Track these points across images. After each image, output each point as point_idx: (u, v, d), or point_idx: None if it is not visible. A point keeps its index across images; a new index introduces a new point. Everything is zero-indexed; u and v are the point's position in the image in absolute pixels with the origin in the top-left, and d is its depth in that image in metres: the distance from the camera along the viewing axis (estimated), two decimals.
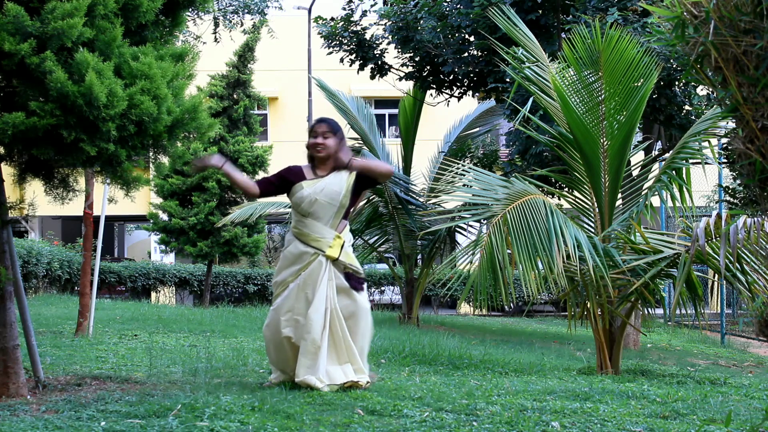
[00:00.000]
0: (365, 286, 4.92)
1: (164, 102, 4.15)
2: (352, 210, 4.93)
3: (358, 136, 11.89)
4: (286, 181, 4.85)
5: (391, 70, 12.76)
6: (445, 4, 11.39)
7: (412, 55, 12.01)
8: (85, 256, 8.13)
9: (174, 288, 18.35)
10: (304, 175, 4.83)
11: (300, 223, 4.79)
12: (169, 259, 20.25)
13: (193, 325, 9.25)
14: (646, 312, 6.49)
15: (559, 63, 6.48)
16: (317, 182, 4.78)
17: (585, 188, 6.53)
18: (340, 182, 4.78)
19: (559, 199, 7.25)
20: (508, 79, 10.30)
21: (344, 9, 12.60)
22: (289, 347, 4.72)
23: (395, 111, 18.01)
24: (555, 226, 5.51)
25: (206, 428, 3.51)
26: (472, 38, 11.25)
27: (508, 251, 5.50)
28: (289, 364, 4.75)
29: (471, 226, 11.06)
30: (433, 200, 11.90)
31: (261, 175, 16.56)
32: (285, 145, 22.04)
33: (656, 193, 6.36)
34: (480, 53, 11.32)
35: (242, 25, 13.84)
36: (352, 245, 5.04)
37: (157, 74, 4.09)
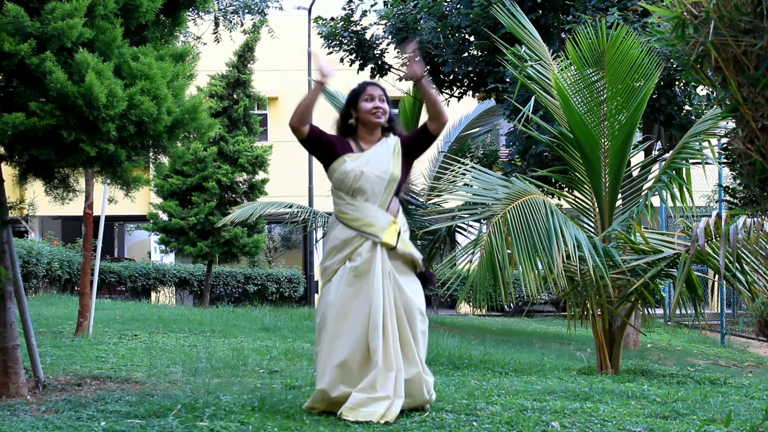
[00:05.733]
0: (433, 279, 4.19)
1: (164, 102, 4.15)
2: (404, 185, 4.21)
3: None
4: (332, 146, 4.10)
5: (391, 70, 12.75)
6: (445, 4, 11.39)
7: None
8: (85, 256, 8.13)
9: (174, 288, 18.35)
10: (351, 148, 4.13)
11: (347, 206, 4.03)
12: (169, 259, 20.24)
13: (193, 325, 9.24)
14: (646, 312, 6.48)
15: (561, 61, 6.48)
16: (361, 155, 4.08)
17: (585, 188, 6.52)
18: (388, 150, 4.12)
19: (559, 199, 7.24)
20: (508, 79, 10.30)
21: (344, 9, 12.60)
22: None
23: (395, 111, 17.95)
24: (555, 226, 5.50)
25: (206, 428, 3.51)
26: (472, 38, 11.25)
27: (508, 251, 5.49)
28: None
29: (471, 225, 11.05)
30: (433, 200, 11.89)
31: (261, 175, 16.54)
32: (285, 145, 22.01)
33: (656, 193, 6.35)
34: (480, 53, 11.32)
35: (242, 25, 13.82)
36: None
37: (157, 74, 4.09)
